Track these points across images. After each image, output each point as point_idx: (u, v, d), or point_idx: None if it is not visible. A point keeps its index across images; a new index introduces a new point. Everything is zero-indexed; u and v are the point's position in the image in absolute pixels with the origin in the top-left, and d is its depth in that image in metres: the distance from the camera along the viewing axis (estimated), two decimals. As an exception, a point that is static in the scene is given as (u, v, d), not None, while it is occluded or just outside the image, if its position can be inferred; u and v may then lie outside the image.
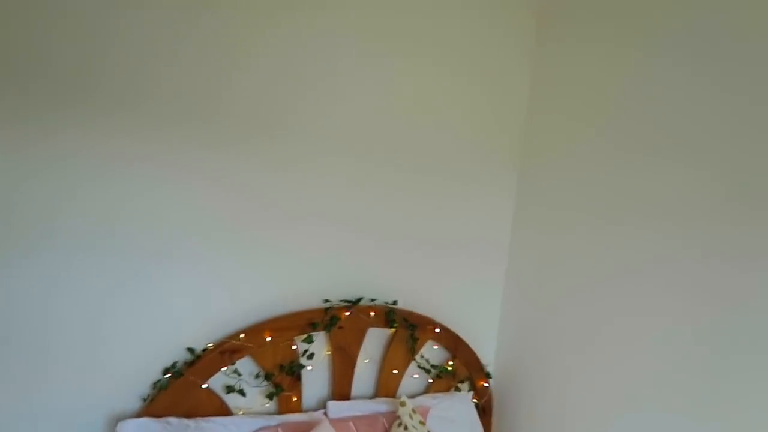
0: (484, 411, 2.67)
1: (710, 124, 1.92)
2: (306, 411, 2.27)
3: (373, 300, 2.43)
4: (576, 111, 2.47)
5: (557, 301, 2.49)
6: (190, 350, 2.08)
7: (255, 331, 2.15)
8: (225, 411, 2.10)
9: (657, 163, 2.08)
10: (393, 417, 2.26)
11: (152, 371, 2.04)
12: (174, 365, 2.06)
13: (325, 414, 2.25)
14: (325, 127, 2.27)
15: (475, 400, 2.63)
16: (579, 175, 2.41)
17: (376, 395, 2.45)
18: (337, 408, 2.27)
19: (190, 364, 2.06)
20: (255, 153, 2.14)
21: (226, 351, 2.10)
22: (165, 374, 2.03)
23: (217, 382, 2.11)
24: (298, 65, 2.19)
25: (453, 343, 2.60)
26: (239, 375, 2.14)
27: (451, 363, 2.60)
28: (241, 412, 2.14)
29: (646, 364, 2.07)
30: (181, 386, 2.01)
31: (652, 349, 2.05)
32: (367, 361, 2.44)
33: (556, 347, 2.48)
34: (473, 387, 2.67)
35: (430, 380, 2.59)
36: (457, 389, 2.63)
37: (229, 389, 2.12)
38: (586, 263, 2.35)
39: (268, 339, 2.15)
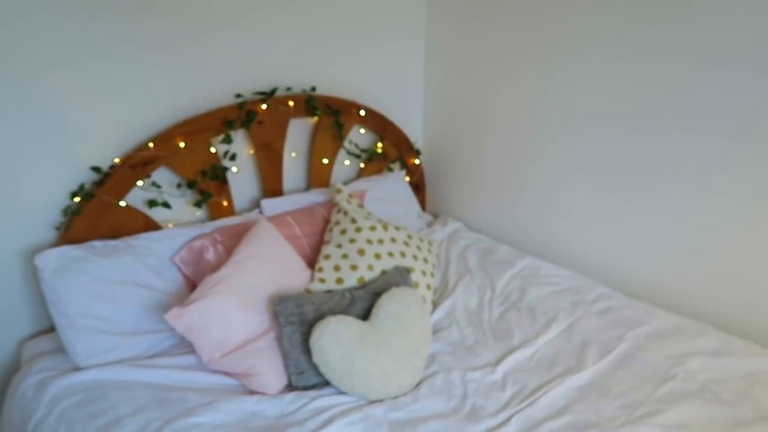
0: (417, 187, 2.70)
1: None
2: (240, 213, 2.18)
3: (289, 89, 2.22)
4: None
5: (478, 72, 2.40)
6: (96, 169, 1.86)
7: (164, 137, 1.93)
8: (152, 226, 1.96)
9: None
10: (330, 205, 2.21)
11: (59, 198, 1.83)
12: (81, 188, 1.84)
13: (261, 212, 2.18)
14: None
15: (407, 178, 2.63)
16: None
17: (309, 187, 2.38)
18: (271, 205, 2.19)
19: (99, 184, 1.85)
20: None
21: (136, 164, 1.89)
22: (73, 198, 1.83)
23: (136, 198, 1.93)
24: None
25: (380, 124, 2.50)
26: (158, 187, 1.97)
27: (380, 145, 2.53)
28: (170, 225, 2.02)
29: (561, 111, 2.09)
30: (96, 208, 1.83)
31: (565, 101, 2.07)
32: (294, 154, 2.32)
33: (479, 116, 2.45)
34: (404, 166, 2.65)
35: (362, 165, 2.53)
36: (390, 170, 2.60)
37: (152, 203, 1.95)
38: (502, 33, 2.24)
39: (182, 144, 1.95)
